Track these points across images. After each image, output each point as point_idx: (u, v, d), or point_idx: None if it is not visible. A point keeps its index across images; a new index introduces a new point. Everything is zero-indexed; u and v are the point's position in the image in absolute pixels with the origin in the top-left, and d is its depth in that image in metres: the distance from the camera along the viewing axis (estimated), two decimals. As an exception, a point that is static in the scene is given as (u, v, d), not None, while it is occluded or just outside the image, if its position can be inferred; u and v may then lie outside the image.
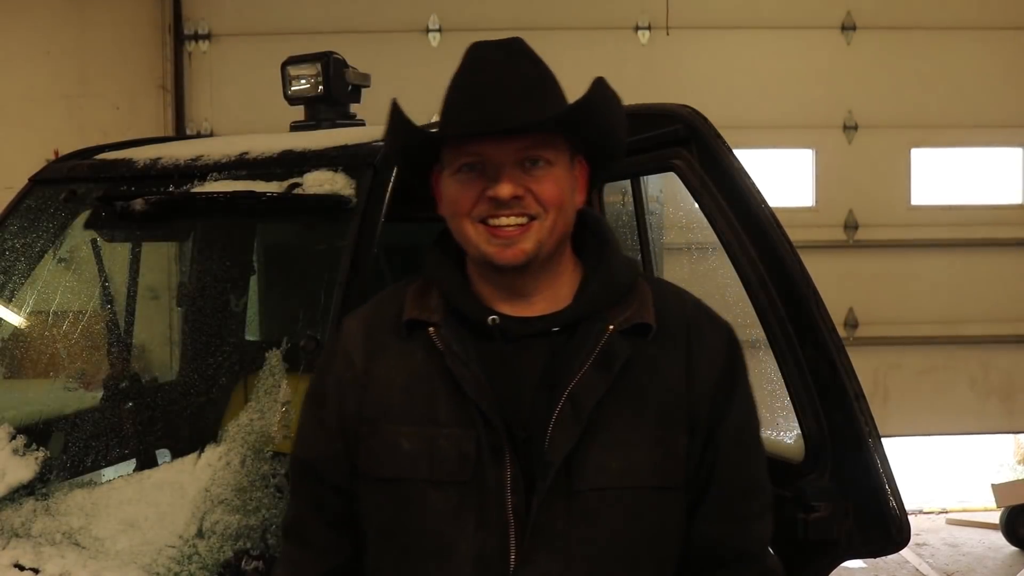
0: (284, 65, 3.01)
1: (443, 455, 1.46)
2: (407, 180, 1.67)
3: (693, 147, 2.26)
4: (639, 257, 2.88)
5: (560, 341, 1.50)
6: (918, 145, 6.11)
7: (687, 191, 2.30)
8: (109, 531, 2.22)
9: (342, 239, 2.29)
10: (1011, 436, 6.78)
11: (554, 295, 1.54)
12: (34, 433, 2.57)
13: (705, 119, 2.26)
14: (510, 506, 1.44)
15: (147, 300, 3.20)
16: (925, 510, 6.54)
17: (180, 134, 5.80)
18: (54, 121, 5.79)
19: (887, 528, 2.01)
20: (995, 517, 6.08)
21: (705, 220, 2.27)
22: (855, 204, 6.08)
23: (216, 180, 2.52)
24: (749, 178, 2.17)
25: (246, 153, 2.58)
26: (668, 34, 6.01)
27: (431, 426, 1.48)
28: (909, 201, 6.12)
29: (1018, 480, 6.34)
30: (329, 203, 2.36)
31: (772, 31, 6.03)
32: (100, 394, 2.92)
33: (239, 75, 5.88)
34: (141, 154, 2.80)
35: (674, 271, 3.65)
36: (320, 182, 2.38)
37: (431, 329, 1.51)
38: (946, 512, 6.56)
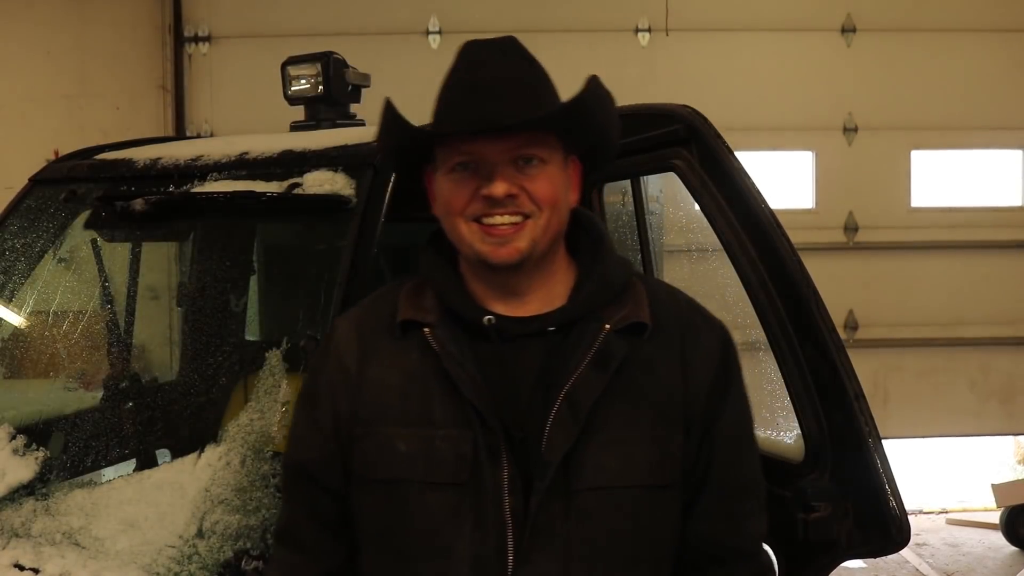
0: (284, 65, 3.02)
1: (439, 456, 1.46)
2: (400, 179, 1.67)
3: (693, 147, 2.26)
4: (639, 257, 2.88)
5: (556, 341, 1.50)
6: (918, 147, 6.10)
7: (687, 191, 2.30)
8: (109, 531, 2.21)
9: (342, 239, 2.29)
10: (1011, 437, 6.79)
11: (548, 294, 1.54)
12: (34, 433, 2.56)
13: (705, 119, 2.26)
14: (507, 507, 1.44)
15: (147, 300, 3.20)
16: (925, 510, 6.55)
17: (180, 135, 5.80)
18: (54, 121, 5.79)
19: (887, 528, 2.00)
20: (995, 517, 6.08)
21: (705, 220, 2.27)
22: (855, 206, 6.08)
23: (216, 180, 2.52)
24: (749, 178, 2.17)
25: (246, 153, 2.58)
26: (668, 36, 6.01)
27: (427, 427, 1.48)
28: (909, 203, 6.12)
29: (1018, 480, 6.34)
30: (329, 203, 2.36)
31: (772, 33, 6.03)
32: (100, 394, 2.92)
33: (239, 77, 5.88)
34: (141, 154, 2.80)
35: (674, 271, 3.65)
36: (320, 182, 2.38)
37: (426, 330, 1.51)
38: (946, 512, 6.57)
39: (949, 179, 6.18)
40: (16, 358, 2.88)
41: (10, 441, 2.45)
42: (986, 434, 6.45)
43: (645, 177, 2.73)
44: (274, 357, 2.31)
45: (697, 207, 2.29)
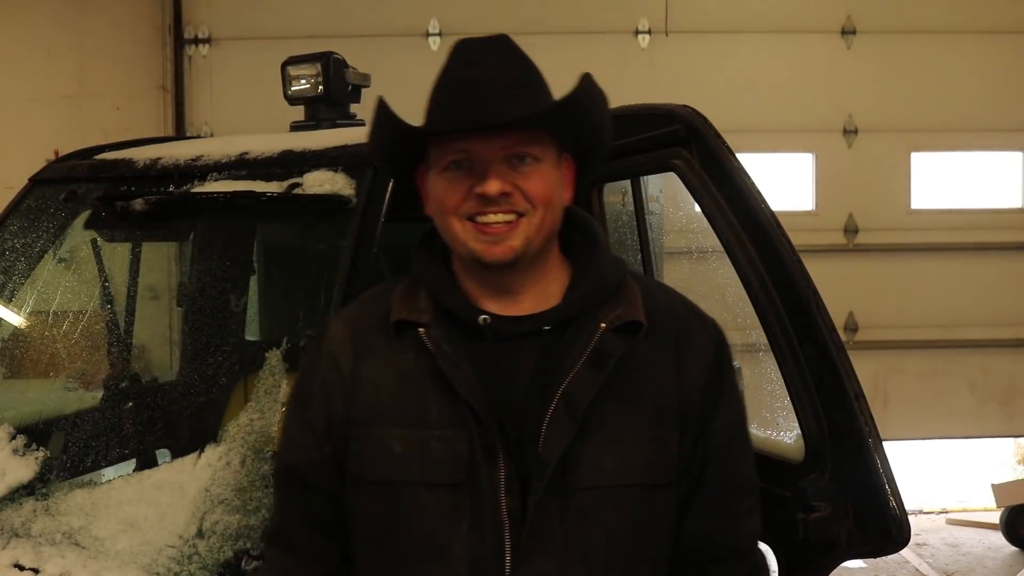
0: (284, 65, 3.02)
1: (435, 457, 1.45)
2: (392, 178, 1.66)
3: (693, 147, 2.26)
4: (639, 257, 2.88)
5: (551, 340, 1.50)
6: (918, 149, 6.11)
7: (687, 191, 2.29)
8: (109, 531, 2.21)
9: (342, 239, 2.29)
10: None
11: (542, 293, 1.53)
12: (34, 433, 2.56)
13: (705, 119, 2.26)
14: (505, 507, 1.43)
15: (147, 300, 3.20)
16: (925, 510, 6.55)
17: (180, 135, 5.80)
18: (54, 121, 5.79)
19: (887, 528, 2.00)
20: (995, 517, 6.08)
21: (705, 221, 2.27)
22: (855, 208, 6.08)
23: (216, 180, 2.52)
24: (749, 178, 2.16)
25: (246, 153, 2.58)
26: (668, 37, 6.01)
27: (422, 428, 1.47)
28: (909, 205, 6.12)
29: (1018, 480, 6.34)
30: (329, 203, 2.36)
31: (772, 35, 6.03)
32: (100, 394, 2.92)
33: (239, 78, 5.88)
34: (141, 154, 2.80)
35: (674, 271, 3.65)
36: (320, 182, 2.38)
37: (421, 330, 1.50)
38: (946, 512, 6.56)
39: (949, 181, 6.18)
40: (16, 358, 2.88)
41: (10, 441, 2.45)
42: (986, 436, 6.46)
43: (645, 177, 2.73)
44: (274, 357, 2.31)
45: (697, 207, 2.29)
